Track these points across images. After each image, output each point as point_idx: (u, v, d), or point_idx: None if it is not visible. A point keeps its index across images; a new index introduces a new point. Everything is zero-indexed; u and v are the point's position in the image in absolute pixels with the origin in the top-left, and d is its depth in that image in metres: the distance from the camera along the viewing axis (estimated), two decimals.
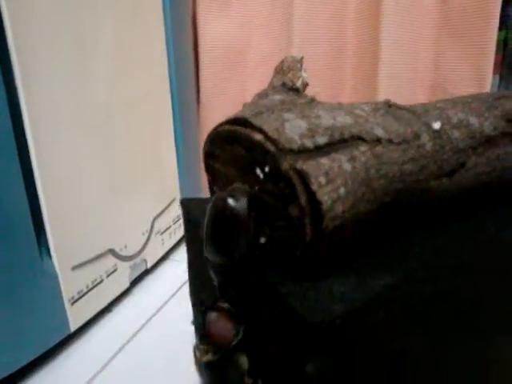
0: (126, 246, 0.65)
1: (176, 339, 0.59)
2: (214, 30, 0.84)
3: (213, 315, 0.28)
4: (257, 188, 0.27)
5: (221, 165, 0.30)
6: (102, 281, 0.61)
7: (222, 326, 0.27)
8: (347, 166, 0.26)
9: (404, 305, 0.28)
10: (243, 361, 0.28)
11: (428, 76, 0.83)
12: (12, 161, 0.47)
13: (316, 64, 0.82)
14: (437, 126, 0.33)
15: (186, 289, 0.70)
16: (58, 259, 0.54)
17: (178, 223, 0.79)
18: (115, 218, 0.63)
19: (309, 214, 0.24)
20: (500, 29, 0.83)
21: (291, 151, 0.25)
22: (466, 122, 0.35)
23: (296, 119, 0.28)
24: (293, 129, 0.27)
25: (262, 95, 0.36)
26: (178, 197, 0.77)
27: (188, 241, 0.39)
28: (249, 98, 0.35)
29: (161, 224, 0.74)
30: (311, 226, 0.25)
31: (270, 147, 0.25)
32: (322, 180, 0.25)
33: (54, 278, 0.54)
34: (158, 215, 0.72)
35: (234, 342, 0.27)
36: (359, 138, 0.29)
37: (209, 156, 0.31)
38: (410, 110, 0.34)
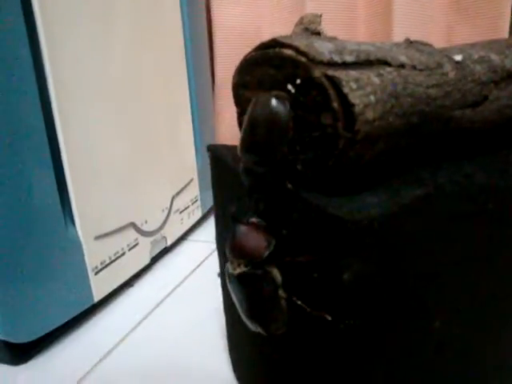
0: (146, 221, 0.66)
1: (195, 312, 0.59)
2: (226, 16, 0.85)
3: (243, 227, 0.28)
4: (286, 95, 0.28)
5: (250, 92, 0.31)
6: (123, 253, 0.62)
7: (252, 237, 0.27)
8: (375, 79, 0.27)
9: (435, 218, 0.29)
10: (276, 274, 0.28)
11: None
12: (40, 136, 0.49)
13: None
14: (458, 57, 0.34)
15: (206, 267, 0.71)
16: (82, 228, 0.55)
17: (195, 204, 0.80)
18: (136, 193, 0.64)
19: (342, 118, 0.25)
20: None
21: (321, 62, 0.26)
22: (487, 58, 0.36)
23: (323, 42, 0.29)
24: (321, 46, 0.27)
25: (285, 36, 0.37)
26: (196, 177, 0.78)
27: (215, 186, 0.40)
28: None
29: (179, 203, 0.75)
30: (344, 131, 0.25)
31: (302, 59, 0.26)
32: (353, 85, 0.25)
33: (78, 246, 0.55)
34: (177, 194, 0.73)
35: (266, 254, 0.27)
36: (385, 63, 0.30)
37: (238, 86, 0.32)
38: (430, 45, 0.35)
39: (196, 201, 0.79)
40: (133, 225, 0.64)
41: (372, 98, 0.26)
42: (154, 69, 0.67)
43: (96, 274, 0.57)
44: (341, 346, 0.28)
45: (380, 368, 0.30)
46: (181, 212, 0.75)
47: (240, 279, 0.28)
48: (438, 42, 0.81)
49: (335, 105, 0.25)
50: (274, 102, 0.26)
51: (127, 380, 0.49)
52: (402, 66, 0.31)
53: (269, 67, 0.28)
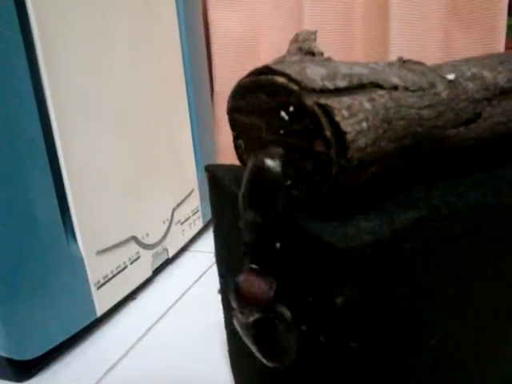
0: (147, 234, 0.67)
1: (198, 323, 0.60)
2: (224, 22, 0.86)
3: (243, 277, 0.29)
4: (282, 131, 0.28)
5: (245, 116, 0.31)
6: (125, 267, 0.63)
7: (254, 284, 0.28)
8: (367, 105, 0.27)
9: (429, 240, 0.29)
10: (285, 311, 0.28)
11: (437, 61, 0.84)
12: (39, 150, 0.49)
13: (326, 52, 0.84)
14: (451, 76, 0.34)
15: (207, 277, 0.71)
16: (84, 243, 0.56)
17: (197, 214, 0.80)
18: (137, 207, 0.65)
19: (334, 146, 0.26)
20: (510, 14, 0.84)
21: (314, 90, 0.26)
22: (479, 75, 0.36)
23: (316, 67, 0.29)
24: (313, 73, 0.28)
25: (280, 58, 0.37)
26: (197, 188, 0.79)
27: (213, 206, 0.40)
28: None
29: (181, 214, 0.75)
30: (337, 159, 0.26)
31: (294, 87, 0.27)
32: (345, 113, 0.26)
33: (80, 261, 0.55)
34: (178, 205, 0.74)
35: (272, 295, 0.28)
36: (377, 85, 0.30)
37: (233, 110, 0.32)
38: (423, 64, 0.35)
39: (197, 211, 0.80)
40: (134, 238, 0.64)
41: (364, 124, 0.26)
42: (153, 80, 0.68)
43: (98, 288, 0.58)
44: (337, 367, 0.29)
45: None
46: (182, 223, 0.76)
47: (254, 326, 0.28)
48: (436, 49, 0.81)
49: (328, 133, 0.25)
50: (267, 161, 0.27)
51: None
52: (394, 87, 0.31)
53: (262, 94, 0.29)
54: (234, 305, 0.29)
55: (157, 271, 0.71)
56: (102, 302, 0.59)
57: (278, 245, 0.28)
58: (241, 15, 0.87)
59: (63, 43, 0.51)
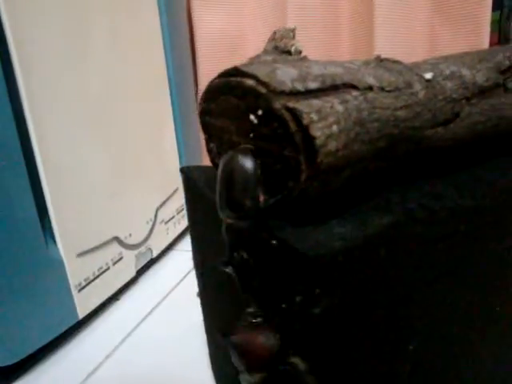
0: (130, 235, 0.66)
1: (182, 324, 0.59)
2: (208, 19, 0.85)
3: (240, 337, 0.26)
4: (252, 135, 0.27)
5: (215, 119, 0.30)
6: (108, 268, 0.62)
7: (254, 341, 0.26)
8: (339, 107, 0.27)
9: (404, 245, 0.28)
10: (298, 362, 0.26)
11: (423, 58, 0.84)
12: (15, 151, 0.48)
13: (311, 47, 0.83)
14: (429, 75, 0.34)
15: (193, 276, 0.70)
16: (63, 246, 0.55)
17: (181, 213, 0.79)
18: (119, 207, 0.64)
19: (303, 150, 0.25)
20: (495, 9, 0.83)
21: (283, 93, 0.26)
22: (458, 74, 0.35)
23: (287, 67, 0.28)
24: (284, 74, 0.27)
25: (254, 58, 0.36)
26: (181, 186, 0.78)
27: (189, 208, 0.40)
28: None
29: (164, 213, 0.74)
30: (306, 164, 0.25)
31: (262, 90, 0.26)
32: (314, 117, 0.25)
33: (60, 264, 0.54)
34: (161, 204, 0.73)
35: (275, 350, 0.26)
36: (351, 86, 0.29)
37: (204, 113, 0.31)
38: (400, 62, 0.35)
39: (181, 210, 0.79)
40: (116, 239, 0.63)
41: (335, 128, 0.26)
42: (134, 78, 0.66)
43: (80, 291, 0.57)
44: (316, 372, 0.28)
45: None
46: (166, 222, 0.75)
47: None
48: (421, 44, 0.81)
49: (296, 137, 0.25)
50: (238, 158, 0.26)
51: None
52: (369, 88, 0.30)
53: (231, 96, 0.28)
54: (238, 367, 0.27)
55: (141, 271, 0.70)
56: (83, 304, 0.58)
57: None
58: (225, 12, 0.86)
59: (39, 41, 0.50)
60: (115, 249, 0.63)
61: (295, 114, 0.25)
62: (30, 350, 0.52)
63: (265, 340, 0.26)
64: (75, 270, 0.56)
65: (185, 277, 0.71)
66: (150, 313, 0.63)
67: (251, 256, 0.28)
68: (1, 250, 0.48)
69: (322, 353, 0.27)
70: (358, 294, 0.27)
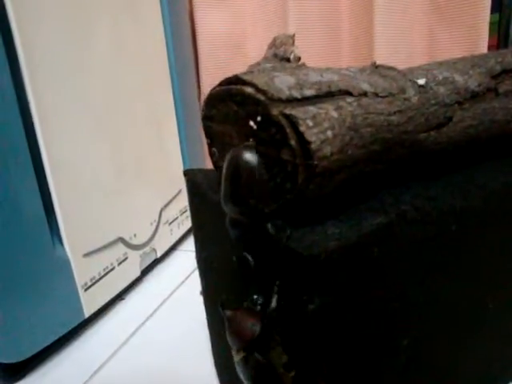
0: (135, 235, 0.67)
1: (186, 323, 0.60)
2: (210, 22, 0.86)
3: (230, 312, 0.29)
4: (251, 140, 0.29)
5: (217, 124, 0.32)
6: (113, 268, 0.63)
7: (239, 320, 0.29)
8: (334, 113, 0.28)
9: (397, 244, 0.30)
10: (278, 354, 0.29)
11: (422, 61, 0.85)
12: (22, 153, 0.50)
13: (312, 50, 0.84)
14: (422, 81, 0.35)
15: (196, 276, 0.72)
16: (70, 246, 0.56)
17: (185, 214, 0.81)
18: (124, 208, 0.65)
19: (299, 155, 0.26)
20: (493, 11, 0.84)
21: (280, 100, 0.27)
22: (451, 79, 0.37)
23: (285, 75, 0.30)
24: (281, 82, 0.28)
25: (254, 65, 0.38)
26: (184, 188, 0.79)
27: (192, 210, 0.41)
28: None
29: (168, 214, 0.76)
30: (302, 167, 0.26)
31: (261, 97, 0.27)
32: (310, 122, 0.26)
33: (67, 264, 0.56)
34: (166, 205, 0.74)
35: (257, 332, 0.28)
36: (346, 93, 0.31)
37: (206, 119, 0.33)
38: (395, 69, 0.36)
39: (185, 211, 0.80)
40: (121, 239, 0.65)
41: (329, 133, 0.27)
42: (138, 79, 0.68)
43: (86, 290, 0.59)
44: (310, 370, 0.30)
45: None
46: (170, 223, 0.76)
47: (245, 363, 0.29)
48: (420, 47, 0.82)
49: (293, 142, 0.26)
50: (244, 153, 0.28)
51: None
52: (364, 94, 0.31)
53: (232, 103, 0.29)
54: (229, 342, 0.30)
55: (145, 271, 0.72)
56: (89, 303, 0.59)
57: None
58: (227, 15, 0.87)
59: (45, 43, 0.51)
60: (120, 249, 0.65)
61: (292, 121, 0.26)
62: (37, 348, 0.54)
63: (250, 324, 0.28)
64: (81, 270, 0.58)
65: (188, 277, 0.72)
66: (154, 312, 0.64)
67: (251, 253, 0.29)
68: (9, 250, 0.50)
69: (317, 348, 0.28)
70: (352, 291, 0.28)
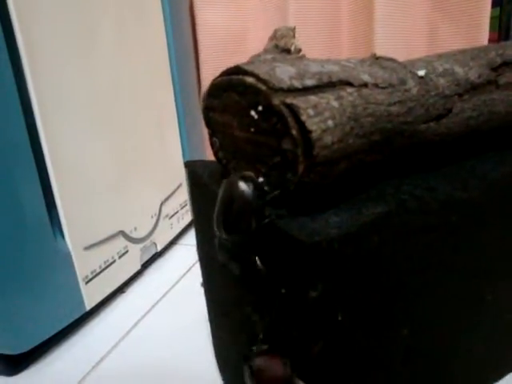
0: (135, 229, 0.67)
1: (187, 317, 0.61)
2: (211, 18, 0.86)
3: (257, 361, 0.29)
4: (252, 129, 0.29)
5: (218, 115, 0.32)
6: (114, 261, 0.63)
7: (270, 367, 0.28)
8: (335, 103, 0.28)
9: (397, 233, 0.30)
10: None
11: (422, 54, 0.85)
12: (24, 146, 0.50)
13: (312, 46, 0.84)
14: (422, 73, 0.35)
15: (196, 270, 0.72)
16: (71, 239, 0.56)
17: (185, 208, 0.81)
18: (124, 201, 0.65)
19: (300, 144, 0.26)
20: (494, 5, 0.84)
21: (281, 90, 0.27)
22: (451, 71, 0.37)
23: (286, 66, 0.30)
24: (282, 72, 0.29)
25: (255, 56, 0.38)
26: (184, 182, 0.79)
27: (193, 202, 0.41)
28: None
29: (169, 208, 0.76)
30: (303, 156, 0.27)
31: (262, 87, 0.27)
32: (311, 112, 0.26)
33: (68, 257, 0.56)
34: (166, 199, 0.75)
35: (288, 374, 0.28)
36: (346, 83, 0.31)
37: (207, 109, 0.33)
38: (395, 60, 0.36)
39: (185, 205, 0.81)
40: (122, 233, 0.65)
41: (330, 122, 0.27)
42: (139, 74, 0.68)
43: (87, 283, 0.59)
44: (310, 358, 0.30)
45: (350, 379, 0.31)
46: (170, 217, 0.76)
47: None
48: (421, 42, 0.82)
49: (294, 131, 0.26)
50: (239, 185, 0.28)
51: None
52: (364, 85, 0.32)
53: (233, 93, 0.30)
54: None
55: (145, 265, 0.72)
56: (90, 296, 0.60)
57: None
58: (228, 11, 0.87)
59: (47, 40, 0.51)
60: (121, 242, 0.65)
61: (293, 110, 0.26)
62: (39, 340, 0.54)
63: (279, 366, 0.29)
64: (82, 263, 0.58)
65: (188, 270, 0.73)
66: (154, 305, 0.65)
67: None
68: (10, 243, 0.50)
69: (317, 336, 0.28)
70: (352, 279, 0.28)
